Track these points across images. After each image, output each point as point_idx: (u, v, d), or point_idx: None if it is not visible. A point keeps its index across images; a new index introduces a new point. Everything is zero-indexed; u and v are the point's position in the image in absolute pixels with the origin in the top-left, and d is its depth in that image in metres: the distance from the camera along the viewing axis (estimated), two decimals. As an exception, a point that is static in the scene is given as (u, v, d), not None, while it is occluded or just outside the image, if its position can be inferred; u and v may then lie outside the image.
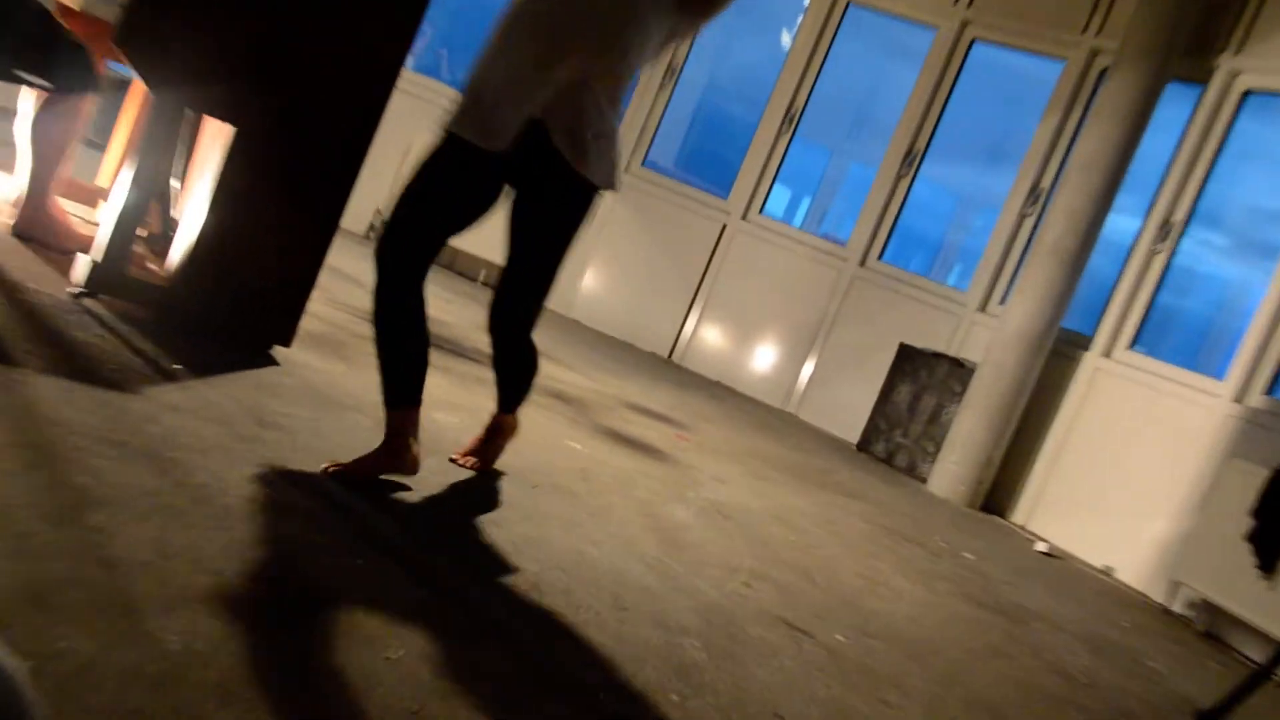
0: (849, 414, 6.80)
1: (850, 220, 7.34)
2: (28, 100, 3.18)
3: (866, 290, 7.03)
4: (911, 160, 7.06)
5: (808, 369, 7.09)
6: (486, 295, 6.61)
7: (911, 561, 3.58)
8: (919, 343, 6.59)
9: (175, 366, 2.46)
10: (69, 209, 3.51)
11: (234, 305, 2.84)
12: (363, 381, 3.00)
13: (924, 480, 5.99)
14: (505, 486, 2.56)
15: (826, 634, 2.37)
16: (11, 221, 3.21)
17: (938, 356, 6.26)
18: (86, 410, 1.95)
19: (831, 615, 2.53)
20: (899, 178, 7.08)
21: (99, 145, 5.01)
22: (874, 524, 4.04)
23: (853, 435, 6.65)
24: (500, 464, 2.73)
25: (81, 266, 2.73)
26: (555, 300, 7.49)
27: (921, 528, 4.41)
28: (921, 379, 6.25)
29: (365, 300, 4.44)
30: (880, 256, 7.10)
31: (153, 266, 3.05)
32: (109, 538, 1.50)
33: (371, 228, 7.29)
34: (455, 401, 3.26)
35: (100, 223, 3.55)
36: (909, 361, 6.33)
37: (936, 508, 5.27)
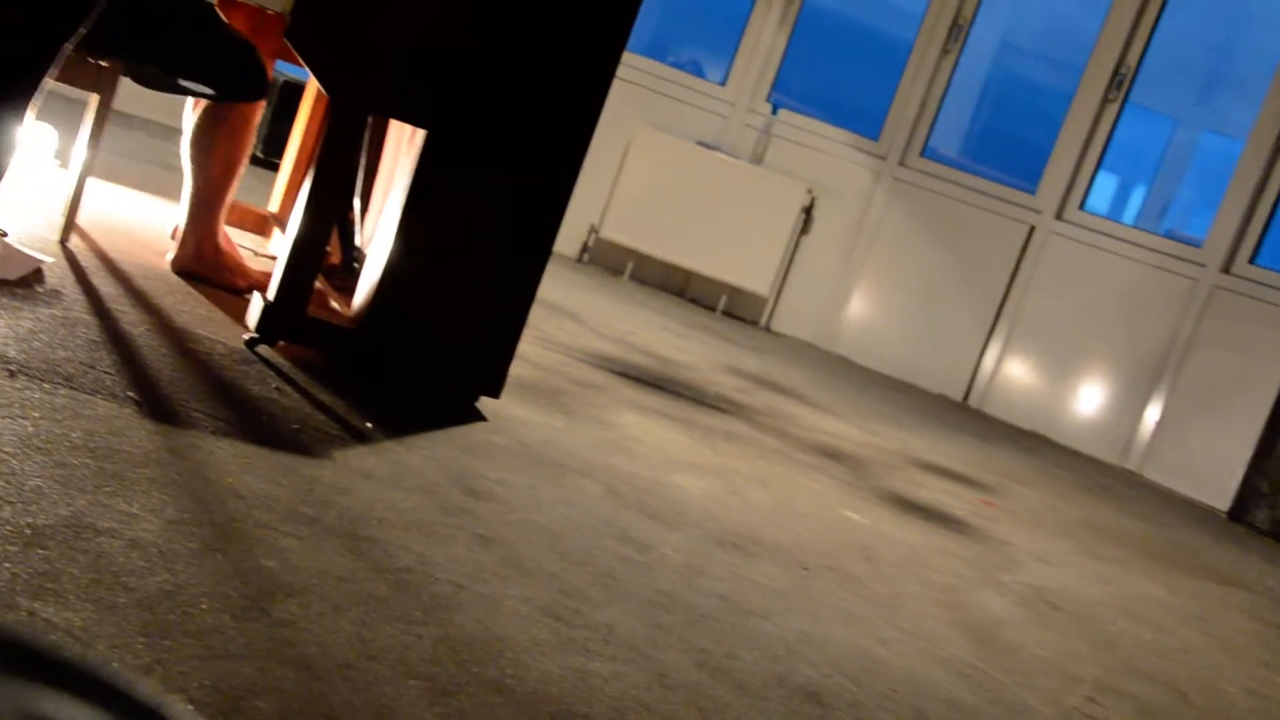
0: (1215, 472, 6.52)
1: (1207, 212, 7.04)
2: (189, 114, 3.39)
3: (1234, 304, 6.75)
4: (1292, 127, 6.71)
5: (1153, 413, 6.84)
6: (726, 328, 6.70)
7: (1321, 673, 3.38)
8: (1313, 373, 6.25)
9: (366, 425, 2.59)
10: (237, 239, 3.76)
11: (432, 350, 2.96)
12: (588, 440, 3.07)
13: (1328, 560, 5.65)
14: (768, 568, 2.56)
15: (1208, 770, 2.26)
16: (170, 256, 3.38)
17: (1341, 391, 5.92)
18: (268, 479, 2.08)
19: (1213, 744, 2.43)
20: (1276, 150, 6.74)
21: (270, 163, 5.39)
22: (1263, 622, 3.87)
23: (1222, 500, 6.38)
24: (761, 539, 2.73)
25: (255, 308, 2.91)
26: (814, 330, 7.49)
27: (1330, 626, 4.17)
28: (1318, 422, 5.93)
29: (583, 338, 4.56)
30: (1253, 259, 6.80)
31: (336, 306, 3.23)
32: (301, 633, 1.58)
33: (585, 249, 7.50)
34: (699, 463, 3.29)
35: (274, 255, 3.80)
36: (1299, 399, 6.02)
37: (1349, 598, 4.97)
